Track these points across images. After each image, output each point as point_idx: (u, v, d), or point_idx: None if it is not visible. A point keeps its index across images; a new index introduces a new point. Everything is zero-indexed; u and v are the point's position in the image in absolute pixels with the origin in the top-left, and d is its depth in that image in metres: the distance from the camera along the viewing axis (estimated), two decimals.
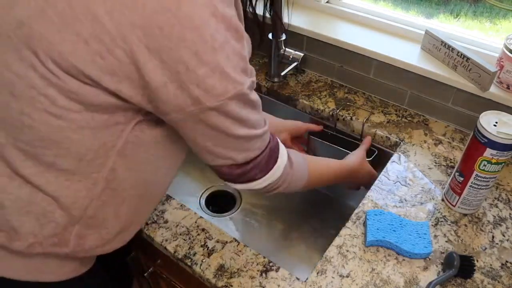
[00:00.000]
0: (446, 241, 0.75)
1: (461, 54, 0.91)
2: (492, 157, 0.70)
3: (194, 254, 0.74)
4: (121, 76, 0.46)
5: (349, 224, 0.79)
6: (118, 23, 0.43)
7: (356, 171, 0.88)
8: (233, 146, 0.56)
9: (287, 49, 1.11)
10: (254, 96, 0.55)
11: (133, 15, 0.43)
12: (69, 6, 0.44)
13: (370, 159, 0.98)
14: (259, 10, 0.67)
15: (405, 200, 0.83)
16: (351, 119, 1.02)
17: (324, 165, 0.82)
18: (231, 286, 0.69)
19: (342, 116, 1.03)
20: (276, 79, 1.15)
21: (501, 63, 0.88)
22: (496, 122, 0.70)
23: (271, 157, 0.62)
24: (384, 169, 0.89)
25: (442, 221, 0.79)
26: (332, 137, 1.06)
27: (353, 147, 1.02)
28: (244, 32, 0.51)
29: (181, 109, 0.49)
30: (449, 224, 0.78)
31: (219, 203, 1.20)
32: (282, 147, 0.66)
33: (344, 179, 0.86)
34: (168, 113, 0.50)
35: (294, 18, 1.14)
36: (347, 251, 0.74)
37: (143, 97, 0.49)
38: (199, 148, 0.56)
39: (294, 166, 0.69)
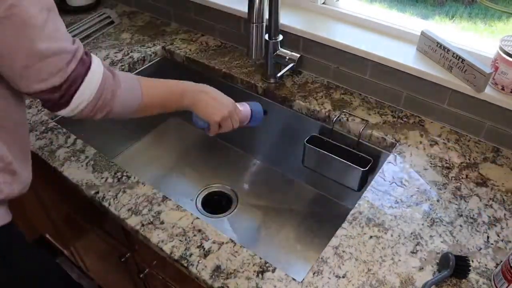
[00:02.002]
0: (442, 242, 0.76)
1: (457, 56, 0.92)
2: None
3: (190, 255, 0.74)
4: None
5: (345, 224, 0.79)
6: None
7: (199, 90, 0.83)
8: (42, 66, 0.59)
9: (283, 50, 1.11)
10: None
11: None
12: None
13: (366, 168, 0.98)
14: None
15: (401, 201, 0.83)
16: (347, 120, 1.02)
17: (157, 80, 0.81)
18: (228, 287, 0.69)
19: (338, 117, 1.03)
20: (272, 80, 1.15)
21: (496, 64, 0.89)
22: None
23: (84, 64, 0.64)
24: (380, 170, 0.90)
25: (437, 221, 0.79)
26: (328, 144, 1.06)
27: (349, 155, 1.02)
28: None
29: None
30: (445, 225, 0.79)
31: (216, 204, 1.20)
32: (93, 55, 0.68)
33: (185, 98, 0.82)
34: None
35: (291, 19, 1.14)
36: (343, 251, 0.74)
37: None
38: (13, 71, 0.59)
39: (117, 75, 0.70)
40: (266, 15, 1.01)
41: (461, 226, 0.79)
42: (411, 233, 0.77)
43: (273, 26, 1.07)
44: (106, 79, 0.67)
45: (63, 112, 0.66)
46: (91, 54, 0.68)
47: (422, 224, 0.79)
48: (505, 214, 0.81)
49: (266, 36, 1.08)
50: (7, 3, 0.53)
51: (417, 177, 0.88)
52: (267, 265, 0.72)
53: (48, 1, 0.59)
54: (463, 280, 0.70)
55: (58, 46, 0.59)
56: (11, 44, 0.56)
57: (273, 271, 0.71)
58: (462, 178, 0.88)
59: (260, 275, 0.71)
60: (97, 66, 0.66)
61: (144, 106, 0.76)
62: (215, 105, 0.83)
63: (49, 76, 0.60)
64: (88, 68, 0.64)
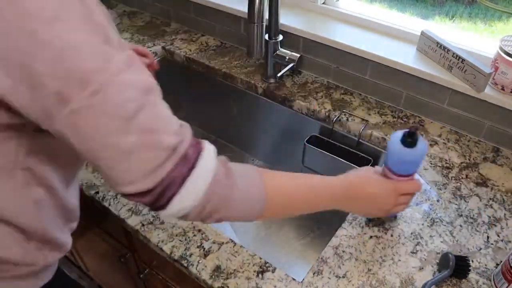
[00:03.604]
0: (442, 242, 0.76)
1: (457, 56, 0.92)
2: None
3: (190, 255, 0.74)
4: None
5: (345, 224, 0.79)
6: None
7: (355, 188, 0.66)
8: (122, 164, 0.45)
9: (283, 50, 1.11)
10: (140, 76, 0.44)
11: None
12: None
13: None
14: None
15: None
16: (347, 120, 1.02)
17: (295, 177, 0.61)
18: (228, 287, 0.69)
19: (338, 117, 1.03)
20: (272, 80, 1.15)
21: (496, 64, 0.89)
22: None
23: (187, 161, 0.48)
24: None
25: (437, 221, 0.79)
26: (328, 144, 1.06)
27: (349, 155, 1.01)
28: None
29: (47, 115, 0.42)
30: (445, 225, 0.79)
31: None
32: (206, 145, 0.51)
33: (336, 201, 0.65)
34: (41, 123, 0.43)
35: (291, 19, 1.14)
36: (343, 251, 0.74)
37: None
38: (97, 168, 0.46)
39: (233, 174, 0.53)
40: (266, 15, 1.01)
41: (461, 226, 0.79)
42: (411, 233, 0.77)
43: (273, 26, 1.07)
44: (217, 181, 0.50)
45: (162, 214, 0.51)
46: (203, 143, 0.51)
47: (422, 224, 0.79)
48: (505, 214, 0.81)
49: (266, 36, 1.08)
50: (91, 88, 0.40)
51: (417, 177, 0.88)
52: (267, 265, 0.72)
53: (146, 81, 0.45)
54: (463, 280, 0.70)
55: (151, 140, 0.44)
56: (92, 137, 0.43)
57: (273, 271, 0.71)
58: (462, 178, 0.88)
59: (260, 275, 0.71)
60: (207, 161, 0.49)
61: (269, 210, 0.57)
62: (373, 206, 0.67)
63: (136, 178, 0.45)
64: (193, 166, 0.48)
